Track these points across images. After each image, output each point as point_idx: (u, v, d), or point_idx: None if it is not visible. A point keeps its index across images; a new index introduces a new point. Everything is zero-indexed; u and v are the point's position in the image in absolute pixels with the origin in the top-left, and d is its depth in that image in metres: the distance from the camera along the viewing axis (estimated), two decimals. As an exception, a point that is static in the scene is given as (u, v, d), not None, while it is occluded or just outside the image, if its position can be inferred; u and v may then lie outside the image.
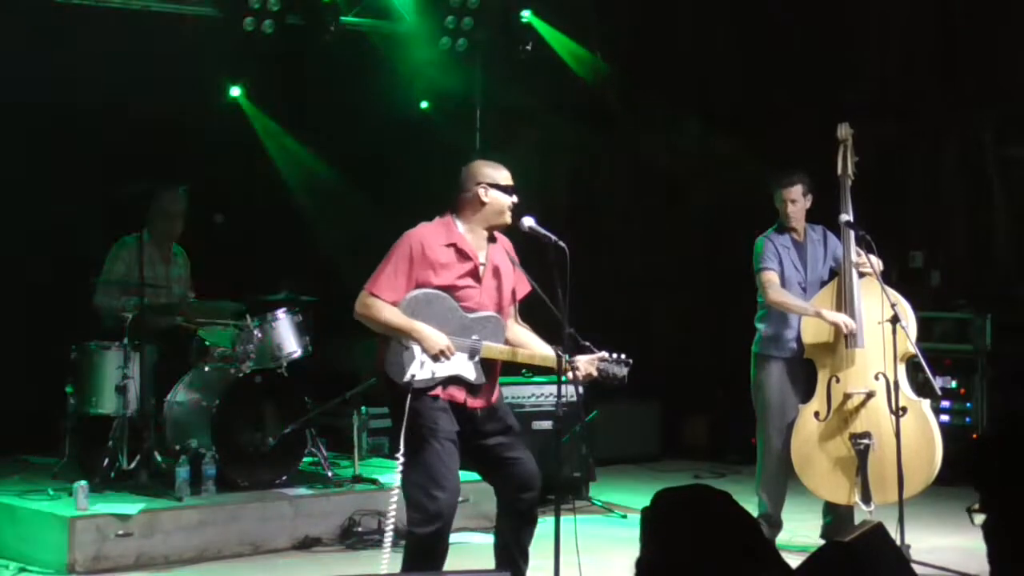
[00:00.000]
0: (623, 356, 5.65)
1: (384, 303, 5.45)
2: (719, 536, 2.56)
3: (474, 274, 5.59)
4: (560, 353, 5.48)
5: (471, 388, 5.54)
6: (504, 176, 5.65)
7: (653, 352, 10.32)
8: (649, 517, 2.60)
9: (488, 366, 5.60)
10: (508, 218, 5.65)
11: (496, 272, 5.67)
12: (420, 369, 5.41)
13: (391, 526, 5.51)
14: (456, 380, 5.50)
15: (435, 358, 5.40)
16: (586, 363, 5.55)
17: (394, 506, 5.51)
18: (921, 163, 10.66)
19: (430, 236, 5.57)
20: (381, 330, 5.51)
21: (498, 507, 5.76)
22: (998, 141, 10.35)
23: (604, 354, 5.60)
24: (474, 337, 5.54)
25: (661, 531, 2.57)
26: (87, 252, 8.41)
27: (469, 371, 5.54)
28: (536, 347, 5.68)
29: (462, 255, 5.58)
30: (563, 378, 5.47)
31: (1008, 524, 2.42)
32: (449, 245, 5.57)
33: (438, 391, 5.47)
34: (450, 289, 5.52)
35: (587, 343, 5.57)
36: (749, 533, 2.60)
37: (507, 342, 5.67)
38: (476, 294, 5.59)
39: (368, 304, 5.48)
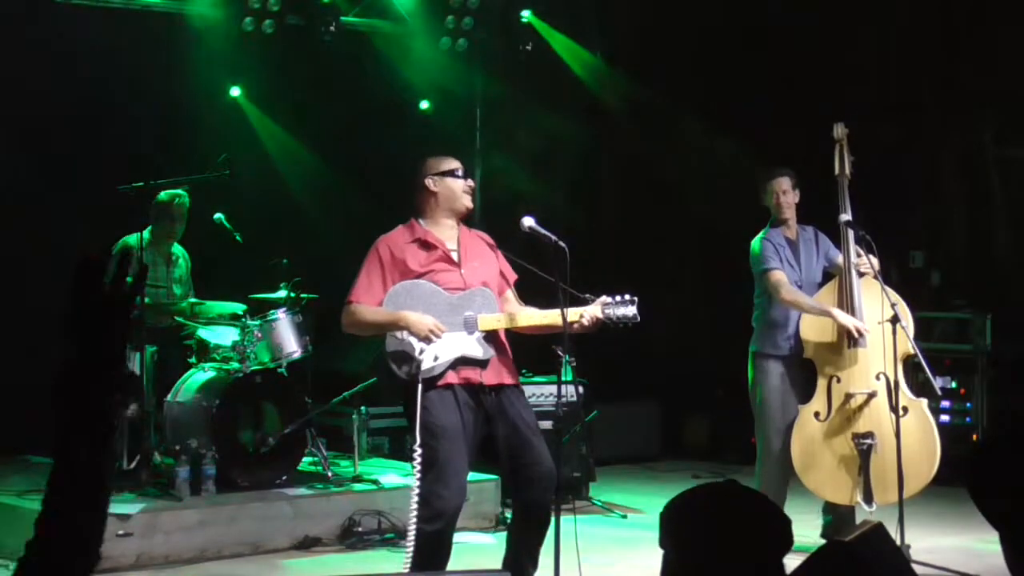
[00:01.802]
0: (626, 296, 5.63)
1: (365, 306, 5.51)
2: (736, 538, 2.54)
3: (446, 259, 5.65)
4: (562, 353, 5.50)
5: (482, 365, 5.56)
6: (449, 163, 5.77)
7: (653, 352, 10.35)
8: (666, 516, 2.58)
9: (494, 342, 5.61)
10: (467, 201, 5.76)
11: (473, 255, 5.72)
12: (422, 356, 5.43)
13: (414, 524, 5.45)
14: (464, 360, 5.52)
15: (426, 340, 5.41)
16: (592, 310, 5.54)
17: (415, 502, 5.46)
18: (921, 163, 10.65)
19: (396, 238, 5.70)
20: (370, 331, 5.60)
21: (512, 507, 5.77)
22: (998, 141, 10.35)
23: (606, 298, 5.59)
24: (467, 313, 5.55)
25: (678, 531, 2.56)
26: (87, 252, 8.39)
27: (473, 348, 5.55)
28: (538, 312, 5.69)
29: (427, 246, 5.65)
30: (564, 375, 5.48)
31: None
32: (413, 241, 5.66)
33: (452, 378, 5.48)
34: (427, 276, 5.56)
35: (587, 295, 5.58)
36: (768, 535, 2.57)
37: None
38: (457, 278, 5.63)
39: (351, 311, 5.58)
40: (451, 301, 5.57)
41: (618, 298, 5.61)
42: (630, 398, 10.54)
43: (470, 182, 5.79)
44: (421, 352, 5.43)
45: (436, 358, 5.46)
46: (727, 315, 9.24)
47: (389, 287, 5.56)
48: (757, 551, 2.53)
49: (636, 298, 5.64)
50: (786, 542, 2.58)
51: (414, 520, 5.40)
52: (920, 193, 10.63)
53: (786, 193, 7.34)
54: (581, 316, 5.51)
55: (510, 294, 5.81)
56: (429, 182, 5.71)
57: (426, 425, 5.41)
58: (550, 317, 5.57)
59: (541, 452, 5.56)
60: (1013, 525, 2.37)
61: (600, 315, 5.54)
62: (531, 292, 5.86)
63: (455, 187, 5.72)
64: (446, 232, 5.71)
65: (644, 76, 10.76)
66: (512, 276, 5.85)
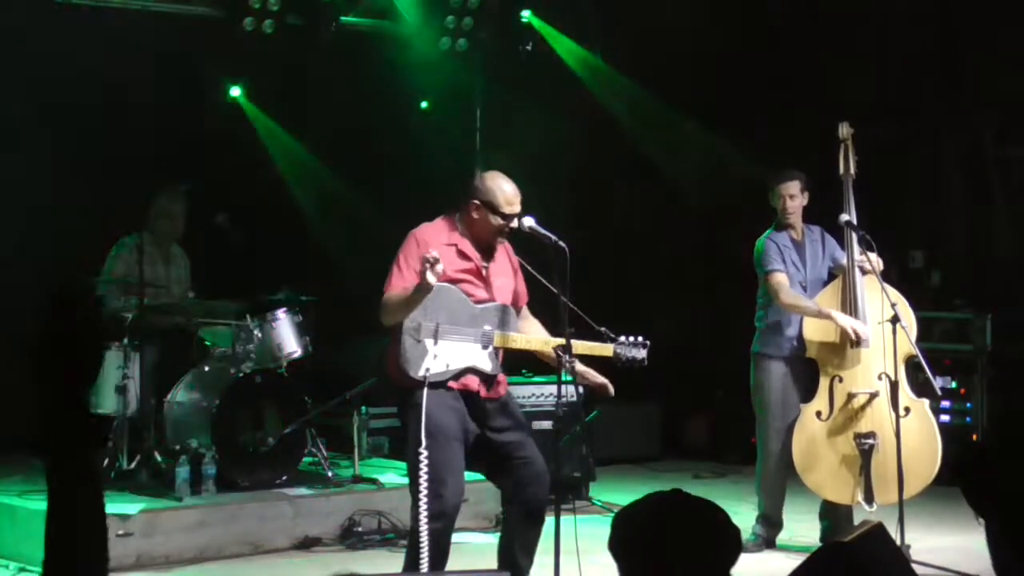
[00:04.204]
0: (640, 338, 5.70)
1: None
2: (683, 546, 2.56)
3: (476, 273, 5.64)
4: (560, 353, 5.51)
5: (485, 378, 5.58)
6: (503, 200, 5.59)
7: (653, 352, 10.33)
8: (614, 526, 2.61)
9: (499, 357, 5.66)
10: (494, 241, 5.68)
11: (498, 271, 5.73)
12: (434, 361, 5.44)
13: (424, 524, 5.45)
14: (471, 371, 5.54)
15: (426, 273, 5.27)
16: (592, 374, 5.69)
17: (422, 502, 5.45)
18: (921, 163, 10.65)
19: (432, 235, 5.64)
20: (403, 313, 5.48)
21: (505, 507, 5.78)
22: (998, 141, 10.34)
23: (622, 339, 5.68)
24: (486, 327, 5.58)
25: (626, 540, 2.59)
26: (87, 252, 8.41)
27: (484, 362, 5.58)
28: (536, 333, 5.73)
29: (462, 255, 5.63)
30: (564, 375, 5.50)
31: (1015, 533, 2.37)
32: (450, 245, 5.62)
33: (451, 383, 5.50)
34: (455, 284, 5.56)
35: (603, 328, 5.62)
36: (714, 543, 2.59)
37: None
38: (483, 291, 5.63)
39: (382, 302, 5.53)
40: (473, 311, 5.58)
41: (631, 339, 5.70)
42: (630, 398, 10.53)
43: (512, 225, 5.60)
44: (435, 357, 5.45)
45: (447, 365, 5.49)
46: (728, 315, 9.25)
47: None
48: (703, 559, 2.55)
49: (648, 342, 5.73)
50: (734, 550, 2.59)
51: (422, 521, 5.39)
52: (920, 193, 10.63)
53: (793, 197, 7.34)
54: (583, 374, 5.64)
55: (523, 312, 5.85)
56: (471, 205, 5.60)
57: (424, 425, 5.42)
58: (545, 345, 5.62)
59: (534, 451, 5.64)
60: (1009, 525, 2.37)
61: (599, 380, 5.72)
62: (540, 305, 5.87)
63: (493, 227, 5.60)
64: (477, 248, 5.68)
65: (644, 76, 10.76)
66: (525, 297, 5.88)
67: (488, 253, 5.70)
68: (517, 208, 5.62)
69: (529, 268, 5.82)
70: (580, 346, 5.61)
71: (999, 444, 2.43)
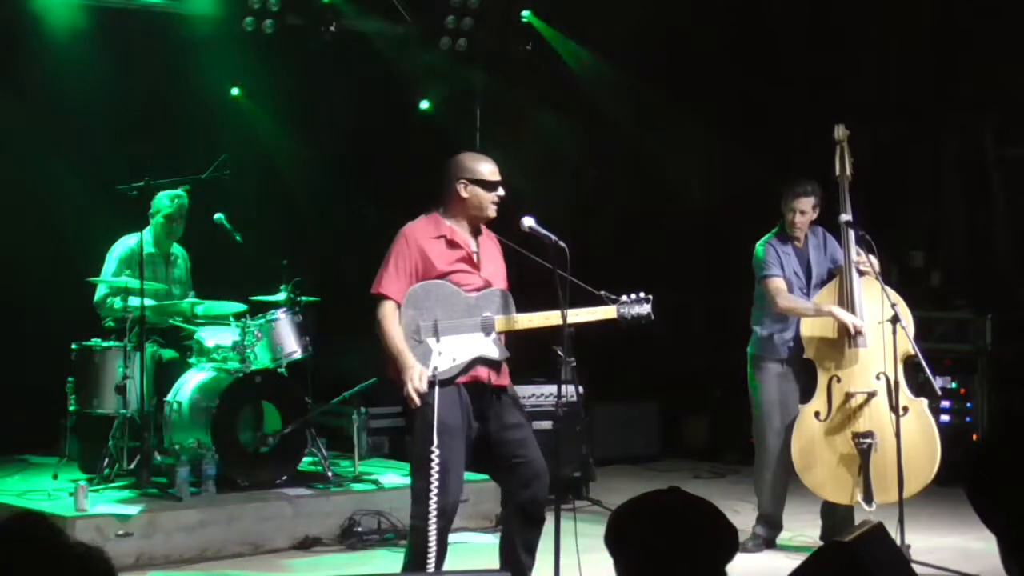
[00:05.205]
0: (641, 295, 5.69)
1: (392, 313, 5.52)
2: (678, 544, 2.57)
3: (468, 260, 5.66)
4: (561, 353, 5.52)
5: (493, 365, 5.60)
6: (487, 170, 5.68)
7: (653, 352, 10.35)
8: (611, 524, 2.62)
9: (504, 343, 5.68)
10: (491, 212, 5.71)
11: (488, 258, 5.76)
12: (440, 359, 5.45)
13: (432, 524, 5.45)
14: (480, 361, 5.57)
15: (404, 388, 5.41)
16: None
17: (432, 500, 5.44)
18: (921, 163, 10.65)
19: (420, 231, 5.67)
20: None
21: (505, 505, 5.78)
22: (998, 141, 10.35)
23: (624, 298, 5.67)
24: (485, 314, 5.60)
25: (622, 539, 2.60)
26: (87, 252, 8.41)
27: (490, 349, 5.60)
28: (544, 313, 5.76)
29: (453, 245, 5.65)
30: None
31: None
32: (439, 237, 5.65)
33: (461, 377, 5.52)
34: (448, 276, 5.58)
35: (602, 292, 5.62)
36: (709, 542, 2.60)
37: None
38: (477, 280, 5.65)
39: (379, 312, 5.55)
40: (469, 302, 5.61)
41: (633, 296, 5.68)
42: (630, 398, 10.54)
43: (500, 192, 5.68)
44: (440, 354, 5.46)
45: (454, 359, 5.50)
46: (727, 315, 9.24)
47: (414, 279, 5.56)
48: (699, 556, 2.56)
49: (651, 296, 5.69)
50: (729, 548, 2.60)
51: (431, 518, 5.40)
52: (920, 193, 10.63)
53: (804, 213, 7.31)
54: None
55: None
56: (459, 186, 5.65)
57: (426, 423, 5.42)
58: (552, 318, 5.60)
59: (535, 450, 5.64)
60: (1010, 528, 2.36)
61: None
62: (538, 289, 5.87)
63: (485, 199, 5.66)
64: (467, 233, 5.71)
65: (644, 76, 10.76)
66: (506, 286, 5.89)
67: (476, 236, 5.72)
68: (499, 176, 5.69)
69: (520, 249, 5.81)
70: (583, 312, 5.61)
71: (1004, 459, 2.41)
